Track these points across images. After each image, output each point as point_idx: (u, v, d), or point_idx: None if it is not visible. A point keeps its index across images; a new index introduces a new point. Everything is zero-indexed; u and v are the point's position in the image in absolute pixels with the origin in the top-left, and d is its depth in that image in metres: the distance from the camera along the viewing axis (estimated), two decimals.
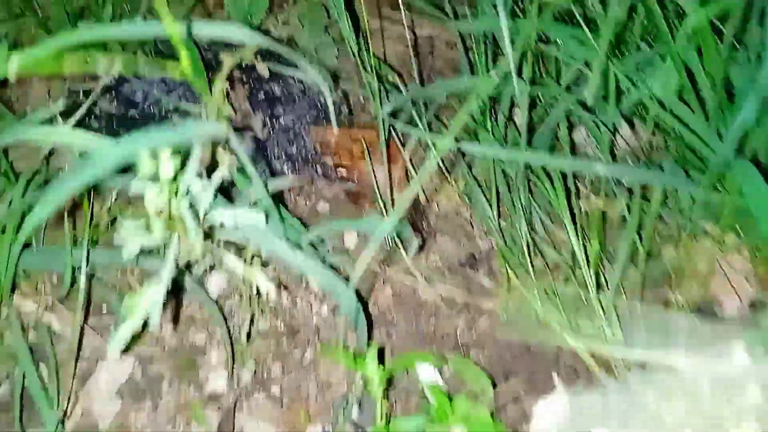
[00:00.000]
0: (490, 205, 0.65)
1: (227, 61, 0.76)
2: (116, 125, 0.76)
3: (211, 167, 0.41)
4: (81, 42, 0.38)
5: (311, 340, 0.59)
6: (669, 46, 0.59)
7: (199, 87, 0.34)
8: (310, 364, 0.58)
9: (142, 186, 0.35)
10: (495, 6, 0.53)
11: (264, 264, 0.49)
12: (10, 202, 0.50)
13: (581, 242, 0.59)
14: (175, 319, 0.56)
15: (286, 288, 0.61)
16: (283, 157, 0.76)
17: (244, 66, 0.77)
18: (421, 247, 0.67)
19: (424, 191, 0.71)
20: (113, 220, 0.56)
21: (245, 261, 0.41)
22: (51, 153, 0.60)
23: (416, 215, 0.69)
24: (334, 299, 0.48)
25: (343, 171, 0.69)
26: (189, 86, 0.80)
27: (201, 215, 0.38)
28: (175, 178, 0.35)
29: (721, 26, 0.59)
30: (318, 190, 0.74)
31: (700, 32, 0.56)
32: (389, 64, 0.84)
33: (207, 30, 0.39)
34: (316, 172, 0.75)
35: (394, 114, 0.68)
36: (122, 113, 0.77)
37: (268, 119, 0.78)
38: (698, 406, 0.49)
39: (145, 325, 0.38)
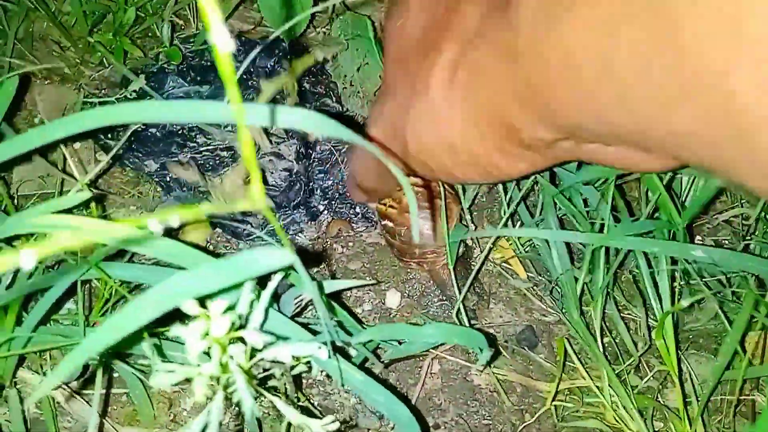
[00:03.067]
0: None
1: (267, 89, 0.67)
2: (135, 143, 0.67)
3: None
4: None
5: (347, 430, 0.52)
6: None
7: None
8: None
9: (183, 336, 0.27)
10: None
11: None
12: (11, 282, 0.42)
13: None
14: None
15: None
16: (318, 192, 0.68)
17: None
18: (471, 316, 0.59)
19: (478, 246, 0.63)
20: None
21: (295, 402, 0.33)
22: None
23: (465, 274, 0.61)
24: (390, 417, 0.41)
25: (389, 223, 0.60)
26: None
27: (250, 359, 0.30)
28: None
29: None
30: (356, 235, 0.66)
31: None
32: None
33: (287, 120, 0.30)
34: (355, 212, 0.67)
35: None
36: (141, 130, 0.68)
37: (302, 147, 0.69)
38: None
39: None
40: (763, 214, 0.58)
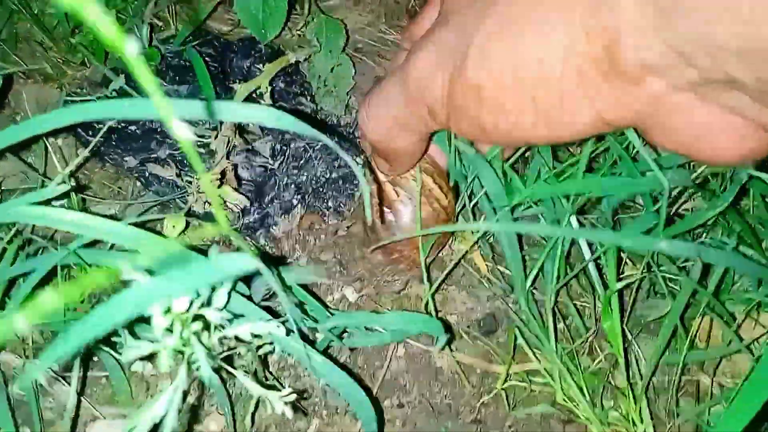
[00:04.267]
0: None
1: (243, 88, 0.70)
2: (115, 140, 0.70)
3: None
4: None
5: (317, 409, 0.56)
6: None
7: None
8: None
9: (149, 315, 0.30)
10: None
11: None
12: None
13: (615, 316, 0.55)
14: None
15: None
16: (293, 187, 0.71)
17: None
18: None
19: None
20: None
21: (257, 377, 0.37)
22: None
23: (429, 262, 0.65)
24: (347, 399, 0.44)
25: (381, 216, 0.62)
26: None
27: (213, 335, 0.33)
28: (188, 309, 0.30)
29: None
30: (328, 228, 0.69)
31: None
32: None
33: (236, 114, 0.34)
34: (328, 206, 0.70)
35: None
36: (120, 127, 0.71)
37: (277, 144, 0.73)
38: None
39: None
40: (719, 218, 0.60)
